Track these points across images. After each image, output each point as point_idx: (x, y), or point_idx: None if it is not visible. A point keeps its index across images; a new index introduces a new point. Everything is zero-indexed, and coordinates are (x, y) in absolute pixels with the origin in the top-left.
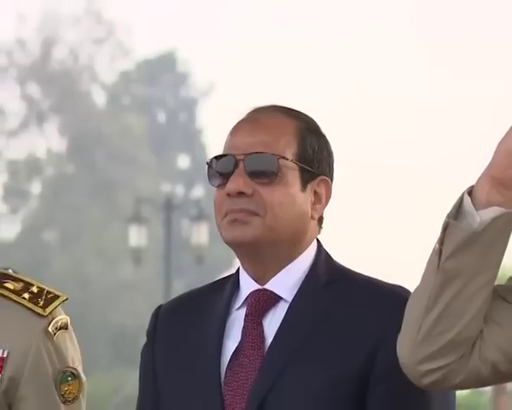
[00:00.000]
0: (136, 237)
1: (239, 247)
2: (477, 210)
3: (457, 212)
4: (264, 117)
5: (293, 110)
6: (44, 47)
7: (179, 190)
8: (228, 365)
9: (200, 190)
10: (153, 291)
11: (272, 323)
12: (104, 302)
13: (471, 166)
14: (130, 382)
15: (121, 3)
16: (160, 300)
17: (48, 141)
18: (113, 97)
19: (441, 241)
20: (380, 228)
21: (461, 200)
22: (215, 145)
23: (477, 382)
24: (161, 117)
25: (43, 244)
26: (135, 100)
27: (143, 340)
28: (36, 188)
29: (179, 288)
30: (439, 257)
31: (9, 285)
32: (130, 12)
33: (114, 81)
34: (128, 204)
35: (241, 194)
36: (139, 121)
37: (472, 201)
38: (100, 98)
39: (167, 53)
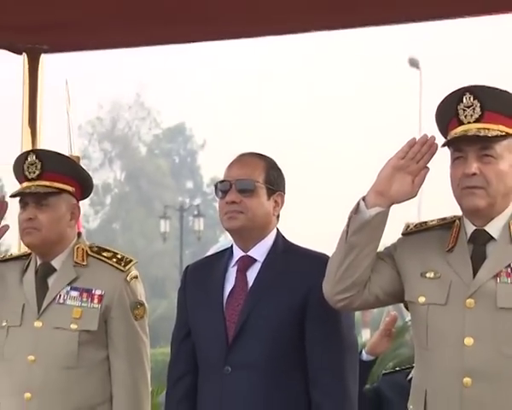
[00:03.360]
0: (164, 226)
1: (233, 232)
2: (367, 209)
3: (356, 209)
4: (245, 159)
5: (262, 155)
6: (112, 122)
7: (187, 200)
8: (227, 298)
9: (198, 200)
10: (173, 257)
11: (252, 274)
12: (146, 263)
13: None
14: (160, 308)
15: (154, 98)
16: (177, 262)
17: (114, 174)
18: (150, 150)
19: (347, 225)
20: (317, 219)
21: (358, 203)
22: (206, 175)
23: (367, 306)
24: (177, 160)
25: (112, 231)
26: (162, 151)
27: (168, 284)
28: (108, 200)
29: (188, 255)
30: (347, 235)
31: (105, 254)
32: (158, 102)
33: (151, 140)
34: (160, 208)
35: (233, 202)
36: (165, 163)
37: (365, 204)
38: (143, 150)
39: (180, 124)
